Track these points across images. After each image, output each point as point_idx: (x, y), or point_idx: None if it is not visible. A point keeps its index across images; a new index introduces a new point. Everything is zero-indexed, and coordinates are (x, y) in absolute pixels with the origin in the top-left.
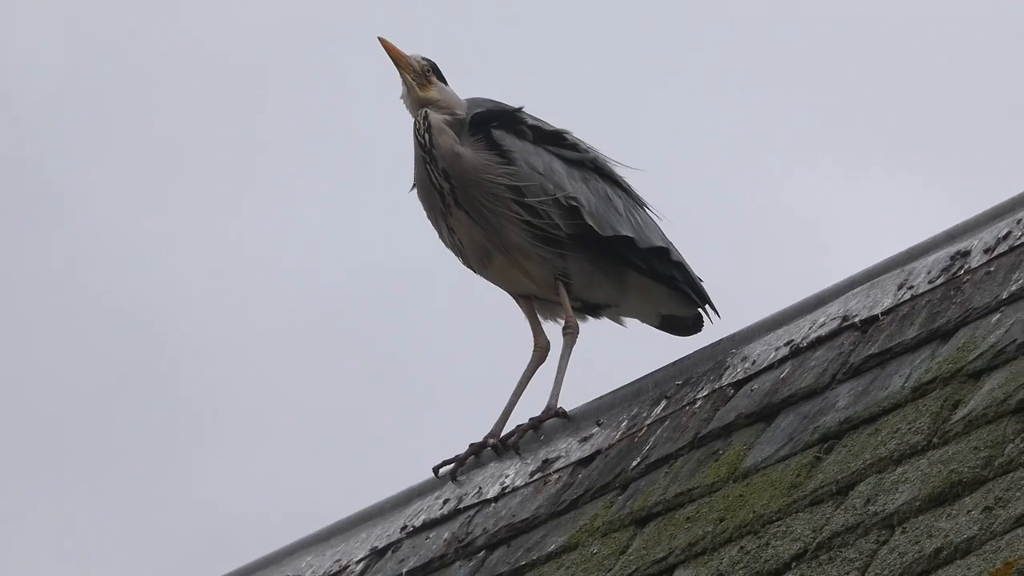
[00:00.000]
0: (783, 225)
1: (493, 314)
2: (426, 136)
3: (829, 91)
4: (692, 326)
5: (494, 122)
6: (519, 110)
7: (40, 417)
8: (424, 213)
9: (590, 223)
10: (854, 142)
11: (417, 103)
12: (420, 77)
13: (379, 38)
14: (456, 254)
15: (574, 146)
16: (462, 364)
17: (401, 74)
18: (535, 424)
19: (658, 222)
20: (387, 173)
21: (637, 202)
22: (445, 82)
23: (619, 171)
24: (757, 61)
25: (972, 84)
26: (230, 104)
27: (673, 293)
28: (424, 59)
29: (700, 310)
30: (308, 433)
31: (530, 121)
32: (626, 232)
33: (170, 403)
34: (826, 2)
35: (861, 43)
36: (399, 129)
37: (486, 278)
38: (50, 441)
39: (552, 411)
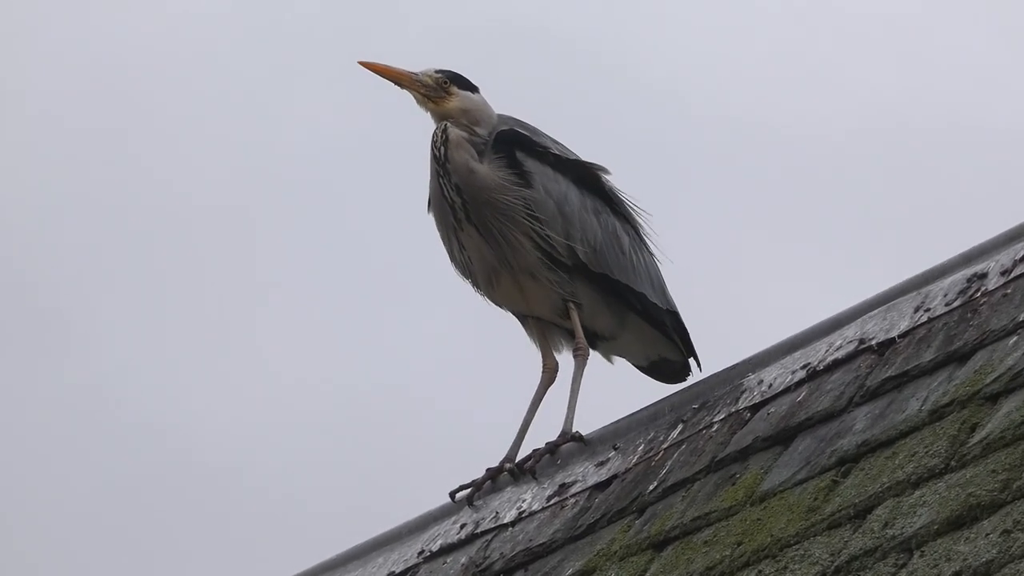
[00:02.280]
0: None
1: (503, 338)
2: (442, 149)
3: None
4: (679, 372)
5: (518, 142)
6: (544, 132)
7: (61, 525)
8: (437, 231)
9: (583, 259)
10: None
11: (438, 115)
12: (435, 90)
13: (360, 62)
14: (464, 274)
15: (595, 177)
16: (475, 389)
17: (408, 91)
18: (551, 448)
19: (659, 266)
20: (393, 281)
21: (643, 242)
22: (474, 90)
23: (630, 207)
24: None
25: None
26: (233, 230)
27: (665, 340)
28: (439, 71)
29: (689, 359)
30: (326, 460)
31: (553, 146)
32: (619, 275)
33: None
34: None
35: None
36: (394, 239)
37: (493, 300)
38: (73, 547)
39: (568, 435)
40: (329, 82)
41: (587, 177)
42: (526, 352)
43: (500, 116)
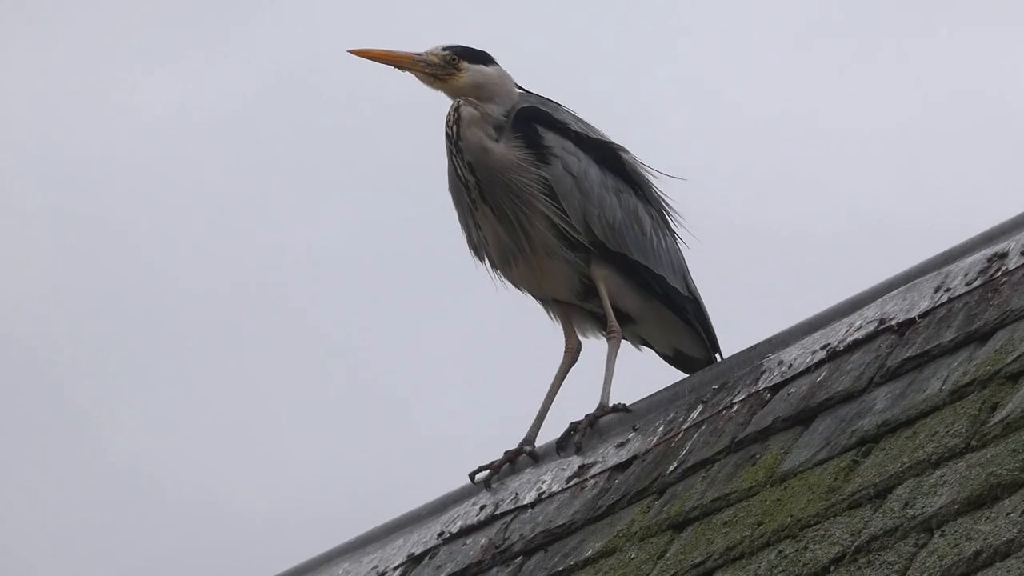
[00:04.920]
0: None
1: (521, 319)
2: (454, 128)
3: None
4: (704, 367)
5: (538, 118)
6: (567, 109)
7: None
8: (455, 212)
9: (600, 238)
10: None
11: (451, 93)
12: (442, 68)
13: (351, 51)
14: (481, 256)
15: (617, 157)
16: (495, 368)
17: (411, 74)
18: (592, 421)
19: (684, 250)
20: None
21: (667, 226)
22: (487, 62)
23: (657, 185)
24: None
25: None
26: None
27: (687, 328)
28: (446, 47)
29: (714, 354)
30: (343, 440)
31: (574, 123)
32: (637, 256)
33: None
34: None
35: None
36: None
37: (511, 280)
38: None
39: (607, 408)
40: (338, 179)
41: (609, 157)
42: (545, 354)
43: (523, 94)
